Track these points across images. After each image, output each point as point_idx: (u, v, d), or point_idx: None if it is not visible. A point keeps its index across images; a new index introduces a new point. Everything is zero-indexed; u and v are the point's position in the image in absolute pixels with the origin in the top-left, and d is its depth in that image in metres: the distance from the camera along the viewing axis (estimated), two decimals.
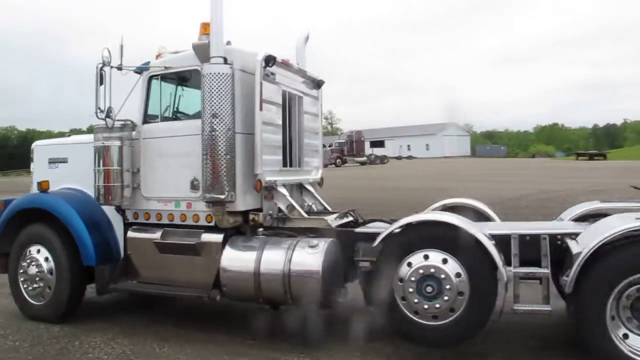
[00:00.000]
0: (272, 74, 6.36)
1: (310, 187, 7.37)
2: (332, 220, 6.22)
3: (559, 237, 5.29)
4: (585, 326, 4.75)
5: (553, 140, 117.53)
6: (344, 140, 63.77)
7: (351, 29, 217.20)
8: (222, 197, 5.78)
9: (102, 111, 6.24)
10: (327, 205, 7.37)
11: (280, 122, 6.66)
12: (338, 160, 58.62)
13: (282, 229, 6.25)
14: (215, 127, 5.76)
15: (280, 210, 6.42)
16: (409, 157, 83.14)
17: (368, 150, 67.05)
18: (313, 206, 7.24)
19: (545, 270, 5.11)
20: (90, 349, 5.78)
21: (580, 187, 20.74)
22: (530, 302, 5.16)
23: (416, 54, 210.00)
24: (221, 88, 5.77)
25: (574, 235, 5.15)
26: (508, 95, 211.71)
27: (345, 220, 6.55)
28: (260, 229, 6.15)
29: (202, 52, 5.92)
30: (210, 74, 5.76)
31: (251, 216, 6.18)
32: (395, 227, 5.46)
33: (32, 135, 71.94)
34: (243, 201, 6.08)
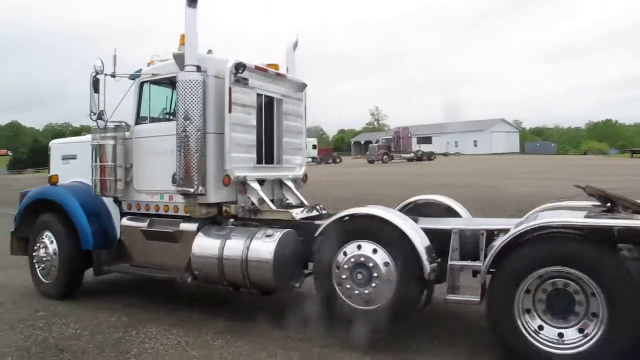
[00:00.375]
0: (245, 79, 6.92)
1: (290, 183, 7.87)
2: (298, 214, 6.73)
3: (495, 232, 5.55)
4: (493, 317, 5.02)
5: (606, 137, 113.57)
6: (391, 137, 63.35)
7: (399, 25, 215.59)
8: (192, 190, 6.50)
9: (94, 114, 7.04)
10: (304, 200, 7.79)
11: (254, 123, 7.18)
12: (385, 157, 58.34)
13: (250, 220, 6.86)
14: (187, 128, 6.45)
15: (253, 203, 6.96)
16: (457, 154, 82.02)
17: (415, 146, 66.40)
18: (291, 201, 7.72)
19: (479, 264, 5.38)
20: (147, 339, 5.94)
21: (638, 186, 20.05)
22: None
23: (465, 49, 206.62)
24: (193, 93, 6.45)
25: (505, 231, 5.27)
26: (558, 91, 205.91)
27: (312, 214, 7.03)
28: (232, 220, 6.81)
29: (181, 61, 6.56)
30: (184, 81, 6.44)
31: (224, 208, 6.85)
32: (333, 219, 6.06)
33: (86, 132, 74.55)
34: (215, 194, 6.72)
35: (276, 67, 7.79)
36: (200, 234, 6.67)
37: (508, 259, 5.01)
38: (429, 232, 5.70)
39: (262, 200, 6.97)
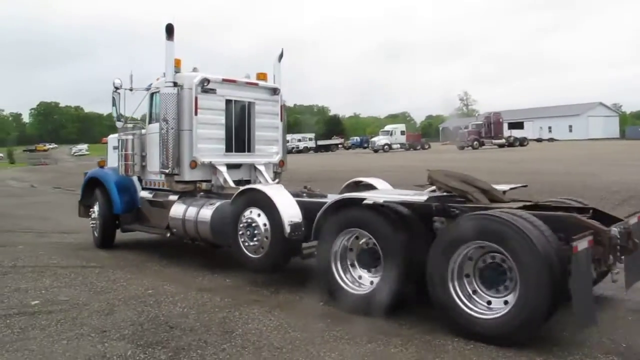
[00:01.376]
0: (212, 89, 9.11)
1: (261, 167, 9.85)
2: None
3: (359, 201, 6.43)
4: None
5: None
6: (481, 122, 61.70)
7: (489, 7, 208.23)
8: (167, 171, 8.99)
9: (116, 117, 9.86)
10: (269, 179, 9.76)
11: (222, 121, 9.31)
12: (475, 143, 56.94)
13: (214, 193, 9.14)
14: (164, 127, 8.89)
15: (222, 181, 9.23)
16: (550, 140, 78.65)
17: (506, 132, 64.25)
18: (261, 180, 9.67)
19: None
20: (250, 319, 6.09)
21: None
22: None
23: (557, 31, 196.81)
24: (169, 102, 8.85)
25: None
26: None
27: None
28: (201, 193, 9.15)
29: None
30: (163, 93, 8.94)
31: (197, 185, 9.17)
32: (238, 192, 8.04)
33: None
34: (189, 174, 9.05)
35: (264, 75, 9.98)
36: (176, 202, 9.08)
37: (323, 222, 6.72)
38: (302, 204, 7.48)
39: (224, 179, 9.19)
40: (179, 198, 9.12)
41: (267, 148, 10.04)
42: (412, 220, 6.18)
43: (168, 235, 9.19)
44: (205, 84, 9.00)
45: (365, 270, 6.47)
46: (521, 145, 60.97)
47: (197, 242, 8.89)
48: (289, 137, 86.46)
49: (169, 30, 8.78)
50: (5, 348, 5.31)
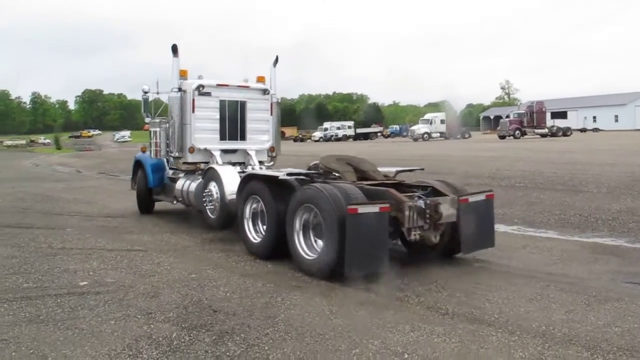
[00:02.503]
0: (207, 92, 11.70)
1: (252, 152, 12.26)
2: (265, 170, 10.85)
3: (273, 178, 8.43)
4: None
5: None
6: (523, 111, 60.44)
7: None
8: (174, 154, 11.94)
9: (145, 114, 13.24)
10: (256, 162, 12.12)
11: (217, 117, 11.83)
12: (517, 132, 55.79)
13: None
14: (172, 122, 11.81)
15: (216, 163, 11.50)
16: (595, 130, 76.61)
17: (549, 121, 62.76)
18: (251, 163, 12.09)
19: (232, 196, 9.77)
20: (292, 305, 6.12)
21: None
22: None
23: (604, 20, 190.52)
24: (174, 104, 11.67)
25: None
26: None
27: (245, 170, 11.25)
28: (199, 171, 11.65)
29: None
30: (170, 97, 11.76)
31: (197, 165, 11.84)
32: (205, 169, 11.03)
33: None
34: (191, 157, 11.75)
35: (262, 78, 12.60)
36: (180, 179, 11.98)
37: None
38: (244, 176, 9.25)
39: (216, 162, 11.49)
40: (183, 176, 12.00)
41: (259, 137, 12.48)
42: (284, 190, 8.15)
43: (175, 202, 12.28)
44: (201, 89, 11.64)
45: (261, 225, 8.62)
46: (564, 135, 59.52)
47: (190, 207, 11.92)
48: (328, 125, 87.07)
49: (174, 49, 11.56)
50: (57, 326, 5.47)
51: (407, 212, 7.07)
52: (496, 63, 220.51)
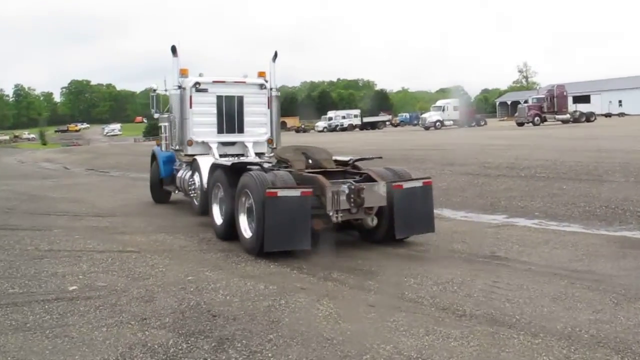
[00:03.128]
0: (204, 89, 13.10)
1: (249, 145, 13.53)
2: (222, 160, 11.54)
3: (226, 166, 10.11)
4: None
5: None
6: (543, 96, 60.07)
7: None
8: (175, 147, 13.73)
9: (154, 110, 14.95)
10: (253, 155, 13.19)
11: (214, 111, 13.21)
12: (536, 118, 55.53)
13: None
14: (172, 117, 13.55)
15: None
16: (621, 114, 76.24)
17: (571, 106, 62.46)
18: (248, 154, 13.30)
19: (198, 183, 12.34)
20: (297, 308, 6.11)
21: None
22: None
23: None
24: (174, 99, 13.33)
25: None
26: None
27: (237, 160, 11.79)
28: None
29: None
30: (171, 94, 13.47)
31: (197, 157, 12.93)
32: (191, 160, 13.03)
33: None
34: (191, 150, 13.16)
35: (263, 73, 13.91)
36: (181, 170, 13.65)
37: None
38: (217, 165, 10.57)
39: (212, 153, 12.90)
40: (183, 167, 13.61)
41: (256, 130, 13.73)
42: (235, 177, 9.35)
43: (176, 191, 14.24)
44: (198, 86, 13.04)
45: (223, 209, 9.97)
46: (587, 120, 59.30)
47: (186, 196, 13.46)
48: (332, 114, 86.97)
49: (173, 50, 13.25)
50: (45, 334, 5.47)
51: (329, 196, 8.37)
52: (513, 44, 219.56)
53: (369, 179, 9.06)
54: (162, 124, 14.59)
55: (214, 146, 13.11)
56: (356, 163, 10.43)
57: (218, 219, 10.18)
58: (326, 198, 8.39)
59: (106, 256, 8.80)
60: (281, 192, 8.10)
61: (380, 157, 11.78)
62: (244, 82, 13.77)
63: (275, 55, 13.92)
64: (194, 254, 9.05)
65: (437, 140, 34.58)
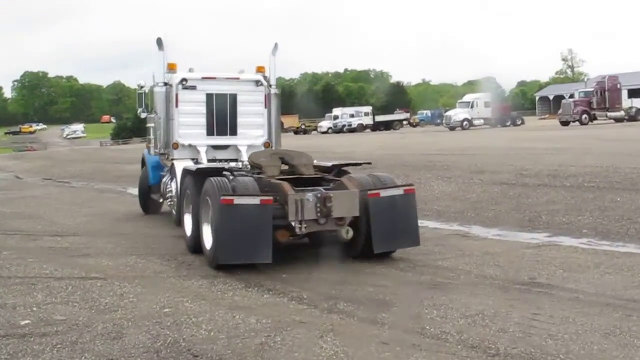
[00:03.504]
0: (192, 86, 13.71)
1: (242, 148, 13.91)
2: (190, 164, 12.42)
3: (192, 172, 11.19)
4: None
5: None
6: (591, 89, 59.96)
7: None
8: (160, 151, 14.34)
9: (142, 110, 15.43)
10: (245, 159, 12.91)
11: (203, 111, 13.81)
12: (584, 116, 55.42)
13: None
14: (156, 117, 14.24)
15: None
16: None
17: (625, 101, 62.41)
18: (240, 159, 13.60)
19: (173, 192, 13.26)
20: (295, 347, 6.10)
21: None
22: None
23: None
24: (159, 98, 13.99)
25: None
26: None
27: (222, 164, 12.52)
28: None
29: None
30: (156, 91, 14.06)
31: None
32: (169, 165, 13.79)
33: None
34: (177, 154, 13.66)
35: (262, 68, 14.36)
36: (166, 175, 14.20)
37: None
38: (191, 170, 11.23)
39: (200, 157, 13.51)
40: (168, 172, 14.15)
41: (251, 132, 14.25)
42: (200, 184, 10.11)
43: (161, 200, 14.86)
44: (185, 83, 13.64)
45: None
46: None
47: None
48: (339, 112, 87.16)
49: (159, 43, 14.08)
50: None
51: (291, 204, 8.93)
52: (556, 26, 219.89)
53: (342, 186, 9.73)
54: (149, 125, 15.19)
55: (202, 150, 13.70)
56: (344, 169, 11.14)
57: (188, 229, 10.90)
58: (288, 207, 8.97)
59: (65, 284, 8.80)
60: (238, 200, 8.86)
61: (369, 163, 12.56)
62: (238, 79, 14.33)
63: (276, 47, 14.45)
64: (172, 280, 9.05)
65: (465, 143, 34.58)
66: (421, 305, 7.39)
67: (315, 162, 11.66)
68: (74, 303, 7.85)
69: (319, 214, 9.08)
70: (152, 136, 14.92)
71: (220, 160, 13.65)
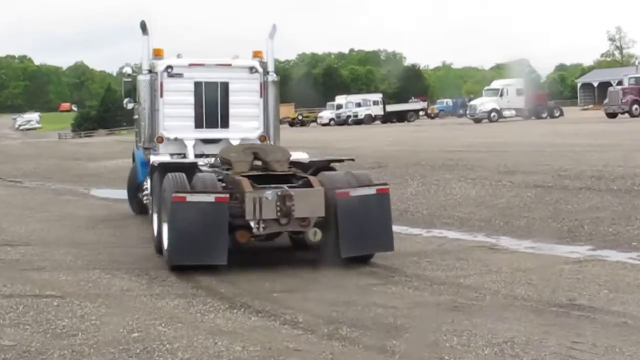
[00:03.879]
0: (178, 74, 14.32)
1: (234, 142, 14.07)
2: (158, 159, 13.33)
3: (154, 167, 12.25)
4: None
5: None
6: None
7: None
8: (144, 145, 15.05)
9: (129, 100, 16.28)
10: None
11: (191, 101, 14.41)
12: (635, 107, 55.30)
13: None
14: (139, 108, 15.03)
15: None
16: None
17: None
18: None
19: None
20: None
21: None
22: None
23: None
24: (142, 86, 14.68)
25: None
26: None
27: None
28: None
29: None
30: (139, 79, 14.87)
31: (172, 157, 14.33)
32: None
33: None
34: (163, 148, 14.36)
35: (259, 53, 15.12)
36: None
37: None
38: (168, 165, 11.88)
39: (187, 153, 14.25)
40: None
41: (245, 124, 14.86)
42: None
43: (145, 200, 14.95)
44: (170, 70, 14.29)
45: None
46: None
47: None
48: (343, 100, 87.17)
49: (143, 26, 14.84)
50: None
51: (248, 203, 9.67)
52: (602, 1, 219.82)
53: (307, 184, 10.48)
54: (135, 117, 16.04)
55: (189, 144, 14.39)
56: (332, 165, 12.00)
57: (155, 229, 11.67)
58: (245, 205, 9.73)
59: (15, 302, 8.79)
60: (191, 197, 9.75)
61: (353, 159, 13.69)
62: (230, 65, 14.96)
63: (274, 29, 15.33)
64: (142, 299, 9.03)
65: (493, 138, 34.61)
66: (439, 331, 7.39)
67: (292, 157, 12.25)
68: (26, 326, 7.83)
69: (279, 214, 9.76)
70: (138, 129, 15.71)
71: (210, 156, 13.98)
